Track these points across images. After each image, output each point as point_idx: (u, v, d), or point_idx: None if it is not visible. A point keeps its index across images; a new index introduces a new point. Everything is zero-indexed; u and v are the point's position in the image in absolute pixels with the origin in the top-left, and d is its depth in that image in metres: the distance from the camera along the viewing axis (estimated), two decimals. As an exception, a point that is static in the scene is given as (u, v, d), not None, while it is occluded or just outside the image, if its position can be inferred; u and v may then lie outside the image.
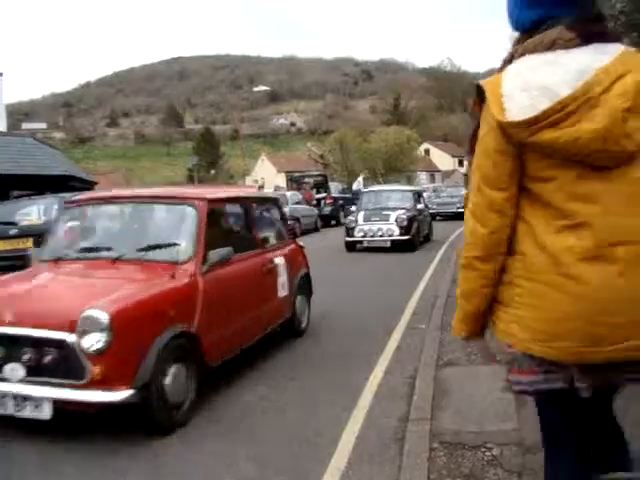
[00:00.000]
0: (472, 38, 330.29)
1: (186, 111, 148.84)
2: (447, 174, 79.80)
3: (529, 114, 1.75)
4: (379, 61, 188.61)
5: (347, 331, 7.17)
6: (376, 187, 21.56)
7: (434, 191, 34.86)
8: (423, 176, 71.47)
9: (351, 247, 16.04)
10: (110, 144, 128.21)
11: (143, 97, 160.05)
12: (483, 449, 3.60)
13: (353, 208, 20.29)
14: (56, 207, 10.81)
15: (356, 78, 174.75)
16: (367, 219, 15.94)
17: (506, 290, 1.94)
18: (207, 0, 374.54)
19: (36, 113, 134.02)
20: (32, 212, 10.98)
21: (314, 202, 26.93)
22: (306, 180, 30.44)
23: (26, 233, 10.38)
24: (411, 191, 18.20)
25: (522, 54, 1.90)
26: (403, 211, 15.77)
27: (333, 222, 27.63)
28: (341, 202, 29.14)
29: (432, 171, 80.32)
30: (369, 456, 3.81)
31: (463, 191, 22.63)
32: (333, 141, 57.81)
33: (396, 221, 15.43)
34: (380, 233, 15.48)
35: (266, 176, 71.98)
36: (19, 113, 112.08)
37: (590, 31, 1.82)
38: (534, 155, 1.82)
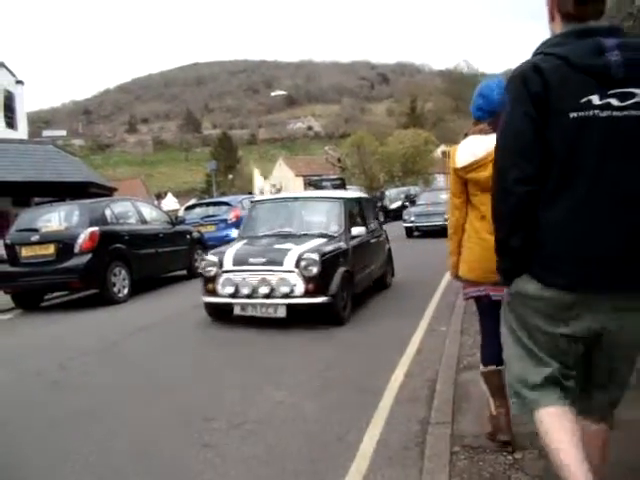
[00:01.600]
0: (488, 39, 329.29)
1: (204, 116, 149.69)
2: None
3: (464, 164, 3.60)
4: (395, 64, 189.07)
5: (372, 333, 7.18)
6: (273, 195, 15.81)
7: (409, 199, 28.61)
8: (441, 178, 71.20)
9: (216, 314, 8.48)
10: (129, 150, 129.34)
11: (161, 103, 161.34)
12: (504, 453, 3.58)
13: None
14: (77, 213, 10.92)
15: (372, 81, 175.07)
16: (241, 261, 8.04)
17: (462, 249, 3.74)
18: (223, 6, 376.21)
19: (56, 121, 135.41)
20: (53, 219, 11.07)
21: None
22: (324, 184, 30.42)
23: (48, 239, 10.48)
24: (343, 200, 9.22)
25: (473, 133, 3.69)
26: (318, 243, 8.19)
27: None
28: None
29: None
30: (390, 460, 3.81)
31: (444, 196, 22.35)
32: (350, 144, 57.73)
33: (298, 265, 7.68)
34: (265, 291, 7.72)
35: (284, 180, 72.06)
36: (40, 121, 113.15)
37: (496, 126, 2.81)
38: (470, 183, 3.63)
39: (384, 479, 3.57)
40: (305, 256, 7.65)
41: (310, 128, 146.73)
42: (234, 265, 7.97)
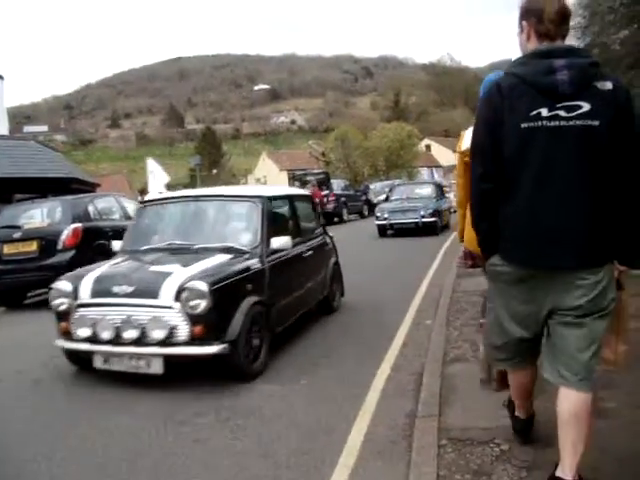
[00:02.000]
0: (472, 33, 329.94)
1: (187, 111, 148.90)
2: (449, 169, 79.73)
3: (464, 148, 3.76)
4: (379, 57, 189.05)
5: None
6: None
7: (389, 191, 24.50)
8: (424, 171, 71.36)
9: (80, 363, 6.13)
10: (112, 145, 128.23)
11: (144, 98, 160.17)
12: (492, 445, 3.60)
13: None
14: (59, 210, 10.83)
15: (356, 75, 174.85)
16: (103, 291, 5.59)
17: (466, 222, 3.72)
18: (205, 0, 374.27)
19: (37, 116, 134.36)
20: (36, 215, 10.97)
21: (317, 200, 26.58)
22: (308, 178, 30.30)
23: (30, 236, 10.38)
24: (261, 199, 6.65)
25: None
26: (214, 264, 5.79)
27: (336, 219, 27.58)
28: (344, 199, 29.07)
29: (434, 166, 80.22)
30: (377, 453, 3.83)
31: (429, 189, 21.67)
32: (334, 138, 57.70)
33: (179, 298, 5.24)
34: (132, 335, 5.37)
35: (268, 175, 71.98)
36: (21, 116, 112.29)
37: None
38: (468, 166, 3.22)
39: (372, 472, 3.59)
40: (189, 285, 5.18)
41: (294, 122, 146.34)
42: (92, 297, 5.57)
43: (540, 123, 2.70)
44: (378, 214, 19.50)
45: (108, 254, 10.84)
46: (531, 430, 3.56)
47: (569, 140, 2.70)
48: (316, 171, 34.99)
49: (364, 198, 31.83)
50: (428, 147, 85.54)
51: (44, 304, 10.90)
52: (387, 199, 22.13)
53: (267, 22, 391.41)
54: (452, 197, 25.06)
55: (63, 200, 11.44)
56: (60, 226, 10.49)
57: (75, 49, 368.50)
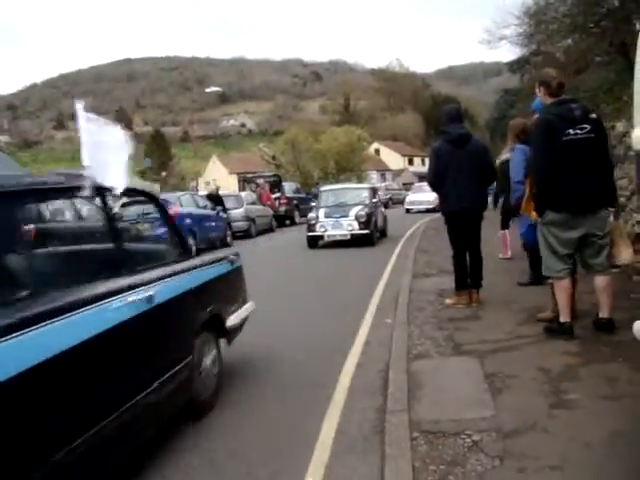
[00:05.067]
0: (420, 39, 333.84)
1: (135, 113, 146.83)
2: (397, 173, 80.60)
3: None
4: (328, 62, 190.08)
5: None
6: None
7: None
8: (374, 175, 71.94)
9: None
10: (57, 147, 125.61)
11: (91, 99, 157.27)
12: (463, 436, 3.66)
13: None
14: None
15: (305, 79, 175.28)
16: None
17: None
18: (154, 1, 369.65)
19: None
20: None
21: (268, 203, 26.45)
22: (259, 181, 30.24)
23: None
24: None
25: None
26: None
27: (288, 222, 27.63)
28: (295, 202, 29.16)
29: (383, 170, 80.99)
30: (351, 448, 3.85)
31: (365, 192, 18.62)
32: (284, 142, 57.73)
33: None
34: None
35: (218, 178, 71.46)
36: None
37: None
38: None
39: (346, 467, 3.61)
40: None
41: (243, 125, 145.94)
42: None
43: (570, 137, 5.13)
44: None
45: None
46: (572, 328, 5.41)
47: (584, 144, 5.15)
48: (267, 174, 34.95)
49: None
50: (377, 151, 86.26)
51: None
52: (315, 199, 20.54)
53: (216, 25, 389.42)
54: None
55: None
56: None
57: (20, 48, 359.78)
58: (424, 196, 31.90)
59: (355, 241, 16.11)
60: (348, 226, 16.21)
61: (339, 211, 16.74)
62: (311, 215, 17.36)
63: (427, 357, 5.44)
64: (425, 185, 33.09)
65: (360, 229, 16.13)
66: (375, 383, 5.08)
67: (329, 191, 19.24)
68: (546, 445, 3.44)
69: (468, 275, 7.35)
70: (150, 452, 3.82)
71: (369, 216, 16.45)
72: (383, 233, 18.59)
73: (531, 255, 7.57)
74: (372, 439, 3.95)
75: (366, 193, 18.27)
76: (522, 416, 3.83)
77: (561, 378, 4.44)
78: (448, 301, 7.45)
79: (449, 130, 7.23)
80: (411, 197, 35.73)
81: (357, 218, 16.25)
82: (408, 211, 33.37)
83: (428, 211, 29.84)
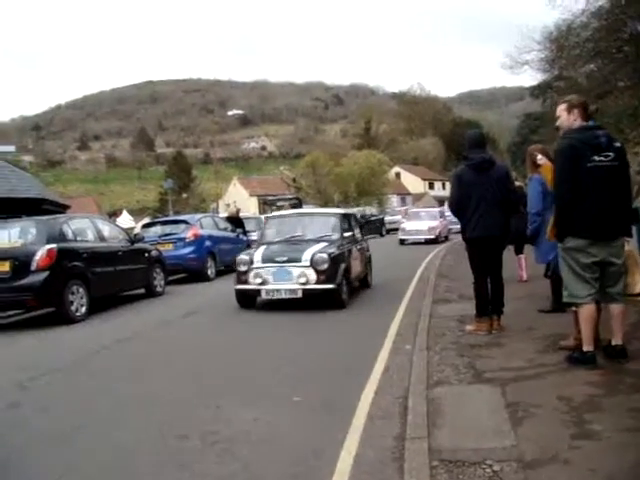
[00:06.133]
0: (441, 62, 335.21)
1: (157, 135, 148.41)
2: (418, 197, 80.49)
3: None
4: (349, 85, 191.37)
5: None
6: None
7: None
8: (394, 199, 71.95)
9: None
10: (80, 168, 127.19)
11: (114, 120, 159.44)
12: (483, 466, 3.61)
13: None
14: (34, 230, 10.66)
15: (327, 102, 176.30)
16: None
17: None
18: (178, 24, 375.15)
19: (5, 136, 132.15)
20: (8, 235, 10.76)
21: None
22: (279, 204, 30.39)
23: (3, 256, 10.18)
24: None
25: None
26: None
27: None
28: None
29: (403, 194, 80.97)
30: (369, 475, 3.81)
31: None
32: (305, 165, 58.06)
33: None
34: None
35: (238, 200, 71.87)
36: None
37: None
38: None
39: (365, 494, 3.57)
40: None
41: (264, 148, 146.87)
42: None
43: (595, 164, 5.14)
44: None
45: (83, 276, 10.84)
46: (595, 358, 5.32)
47: (608, 172, 5.18)
48: (289, 196, 35.14)
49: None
50: (398, 175, 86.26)
51: (16, 326, 10.80)
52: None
53: (239, 48, 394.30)
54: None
55: (37, 220, 11.28)
56: (34, 247, 10.30)
57: (45, 70, 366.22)
58: (422, 224, 28.05)
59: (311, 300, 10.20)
60: (299, 277, 10.13)
61: (287, 252, 10.67)
62: (241, 257, 10.90)
63: (447, 384, 5.39)
64: (423, 212, 31.30)
65: (319, 282, 10.10)
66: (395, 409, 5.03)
67: (277, 219, 13.01)
68: (567, 477, 3.39)
69: (489, 301, 7.29)
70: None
71: (335, 260, 10.28)
72: (365, 283, 12.74)
73: (554, 281, 7.50)
74: (391, 466, 3.91)
75: (334, 222, 11.77)
76: (543, 446, 3.78)
77: (583, 408, 4.37)
78: (469, 327, 7.39)
79: (472, 155, 7.23)
80: (406, 225, 29.08)
81: (314, 264, 10.11)
82: (402, 242, 27.95)
83: (427, 242, 26.34)
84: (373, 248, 14.11)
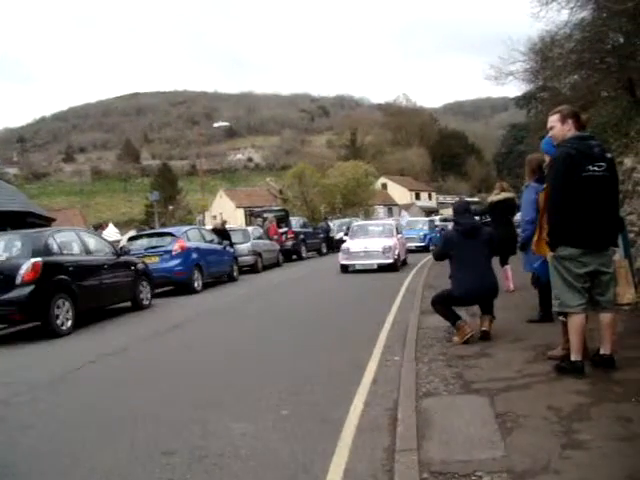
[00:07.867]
0: (426, 73, 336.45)
1: (143, 147, 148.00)
2: (405, 207, 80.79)
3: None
4: (335, 97, 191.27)
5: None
6: None
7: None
8: (381, 210, 72.12)
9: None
10: (66, 180, 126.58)
11: (99, 132, 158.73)
12: (474, 477, 3.59)
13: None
14: (19, 243, 10.57)
15: (312, 114, 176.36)
16: None
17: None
18: (164, 36, 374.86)
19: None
20: (-8, 249, 10.65)
21: (275, 237, 26.33)
22: (265, 215, 30.31)
23: (-13, 270, 10.09)
24: None
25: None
26: None
27: (294, 257, 27.56)
28: (302, 237, 29.10)
29: (390, 205, 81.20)
30: (359, 488, 3.78)
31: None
32: (291, 176, 58.02)
33: None
34: None
35: (224, 211, 71.76)
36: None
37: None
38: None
39: (355, 508, 3.53)
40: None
41: (250, 160, 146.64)
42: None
43: (590, 173, 5.17)
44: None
45: (69, 289, 10.74)
46: (584, 367, 5.34)
47: (600, 182, 5.21)
48: (275, 208, 35.07)
49: (322, 236, 31.89)
50: (384, 185, 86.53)
51: (1, 341, 10.66)
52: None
53: (225, 60, 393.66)
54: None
55: (23, 233, 11.22)
56: (19, 260, 10.24)
57: (29, 82, 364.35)
58: (372, 243, 19.55)
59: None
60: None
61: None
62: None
63: (436, 395, 5.38)
64: (372, 225, 23.15)
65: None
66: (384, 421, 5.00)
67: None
68: (559, 487, 3.37)
69: (451, 309, 7.62)
70: None
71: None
72: None
73: (541, 291, 7.54)
74: (381, 479, 3.88)
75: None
76: (533, 457, 3.77)
77: (573, 418, 4.37)
78: (455, 339, 7.38)
79: (461, 222, 7.78)
80: (351, 245, 19.96)
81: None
82: (345, 269, 19.36)
83: (381, 269, 18.75)
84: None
